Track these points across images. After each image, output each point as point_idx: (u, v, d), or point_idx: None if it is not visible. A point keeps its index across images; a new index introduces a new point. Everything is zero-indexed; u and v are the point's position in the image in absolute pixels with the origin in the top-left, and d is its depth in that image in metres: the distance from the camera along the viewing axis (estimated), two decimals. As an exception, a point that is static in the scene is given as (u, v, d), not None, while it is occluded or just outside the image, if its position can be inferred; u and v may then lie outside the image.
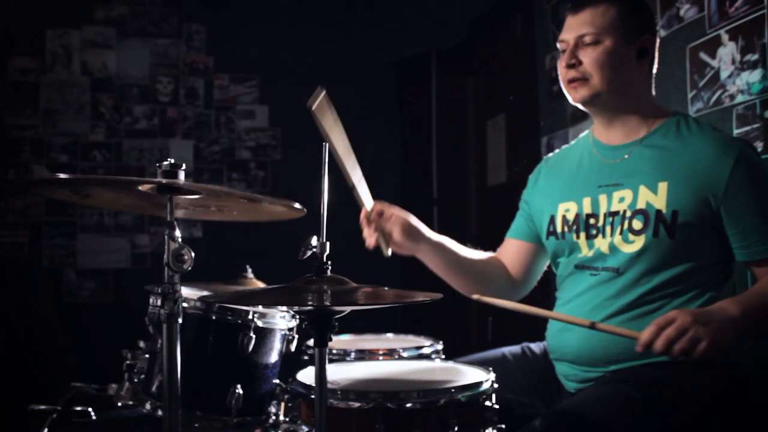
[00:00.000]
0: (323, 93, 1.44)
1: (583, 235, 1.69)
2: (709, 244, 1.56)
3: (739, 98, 1.99)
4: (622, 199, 1.63)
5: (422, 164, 4.54)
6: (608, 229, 1.63)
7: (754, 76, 1.93)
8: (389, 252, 1.79)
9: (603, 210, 1.66)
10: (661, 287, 1.56)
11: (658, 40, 1.72)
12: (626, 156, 1.67)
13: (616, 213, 1.63)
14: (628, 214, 1.60)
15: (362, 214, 1.76)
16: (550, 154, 1.94)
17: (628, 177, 1.64)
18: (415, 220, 1.78)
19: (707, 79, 2.12)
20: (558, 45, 1.71)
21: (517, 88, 3.48)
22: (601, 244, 1.64)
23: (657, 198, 1.57)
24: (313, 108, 1.41)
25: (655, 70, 1.73)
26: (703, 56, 2.13)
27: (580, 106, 1.71)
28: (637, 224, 1.58)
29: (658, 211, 1.56)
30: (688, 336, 1.33)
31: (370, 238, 1.76)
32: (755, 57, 1.93)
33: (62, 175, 1.26)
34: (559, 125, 3.02)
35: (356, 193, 1.71)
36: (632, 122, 1.68)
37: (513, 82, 3.57)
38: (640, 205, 1.59)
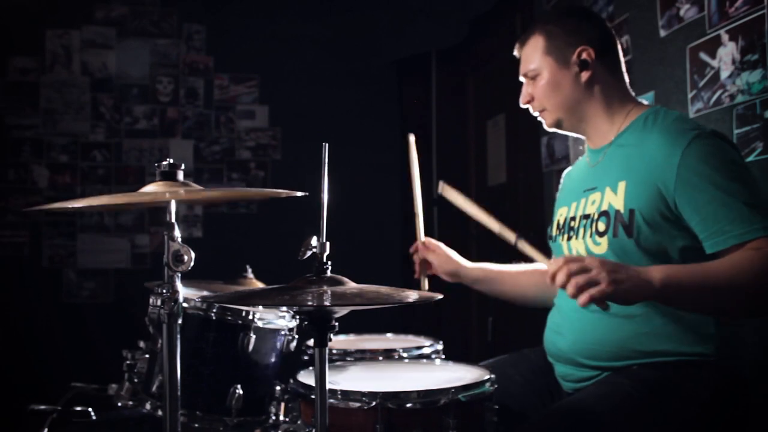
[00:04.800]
0: (413, 139, 2.01)
1: (565, 237, 1.73)
2: (677, 239, 1.50)
3: (739, 98, 1.99)
4: (593, 202, 1.65)
5: (422, 164, 4.53)
6: (581, 231, 1.65)
7: (754, 76, 1.93)
8: (425, 286, 1.97)
9: (580, 213, 1.69)
10: None
11: (617, 42, 1.73)
12: (601, 159, 1.69)
13: (588, 216, 1.65)
14: (595, 216, 1.62)
15: (413, 246, 2.01)
16: (569, 168, 1.98)
17: (600, 179, 1.66)
18: (456, 255, 1.98)
19: (707, 79, 2.12)
20: None
21: (517, 88, 3.48)
22: (577, 246, 1.66)
23: (617, 198, 1.57)
24: (412, 142, 2.09)
25: (624, 65, 1.73)
26: (703, 56, 2.13)
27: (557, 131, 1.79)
28: (601, 226, 1.59)
29: (617, 212, 1.55)
30: (588, 275, 1.30)
31: (416, 266, 1.98)
32: (755, 57, 1.93)
33: (74, 205, 1.25)
34: (559, 125, 3.02)
35: (417, 222, 1.99)
36: (604, 126, 1.70)
37: (513, 82, 3.56)
38: (604, 206, 1.60)
